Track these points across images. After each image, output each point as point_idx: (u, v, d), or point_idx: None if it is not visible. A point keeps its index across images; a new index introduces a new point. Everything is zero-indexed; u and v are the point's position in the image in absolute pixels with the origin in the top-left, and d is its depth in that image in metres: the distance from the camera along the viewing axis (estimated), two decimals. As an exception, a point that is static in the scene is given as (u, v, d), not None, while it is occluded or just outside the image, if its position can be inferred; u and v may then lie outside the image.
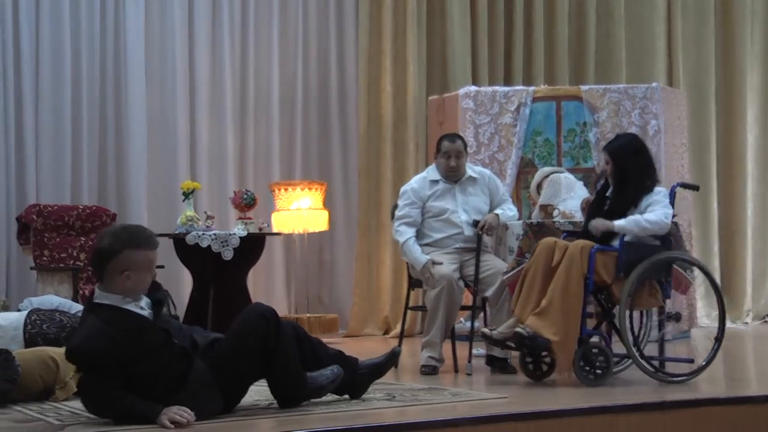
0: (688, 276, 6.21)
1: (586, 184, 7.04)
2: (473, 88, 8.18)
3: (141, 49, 8.35)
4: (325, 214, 8.38)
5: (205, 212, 7.63)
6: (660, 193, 5.29)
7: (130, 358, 3.91)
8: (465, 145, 6.07)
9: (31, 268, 7.19)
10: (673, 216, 5.39)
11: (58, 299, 5.79)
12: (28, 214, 7.20)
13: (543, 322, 5.06)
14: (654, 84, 8.12)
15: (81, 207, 7.45)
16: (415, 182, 6.06)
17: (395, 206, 6.15)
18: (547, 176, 7.03)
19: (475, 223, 5.81)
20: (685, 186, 5.77)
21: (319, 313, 8.55)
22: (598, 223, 5.29)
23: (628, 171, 5.32)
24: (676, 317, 5.30)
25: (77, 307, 5.65)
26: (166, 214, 8.25)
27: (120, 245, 3.97)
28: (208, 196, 8.49)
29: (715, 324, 5.60)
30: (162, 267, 7.19)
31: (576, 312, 5.07)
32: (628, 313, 5.20)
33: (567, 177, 6.86)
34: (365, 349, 7.73)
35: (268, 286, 8.74)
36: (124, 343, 3.91)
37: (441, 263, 5.68)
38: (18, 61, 7.95)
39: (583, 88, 8.06)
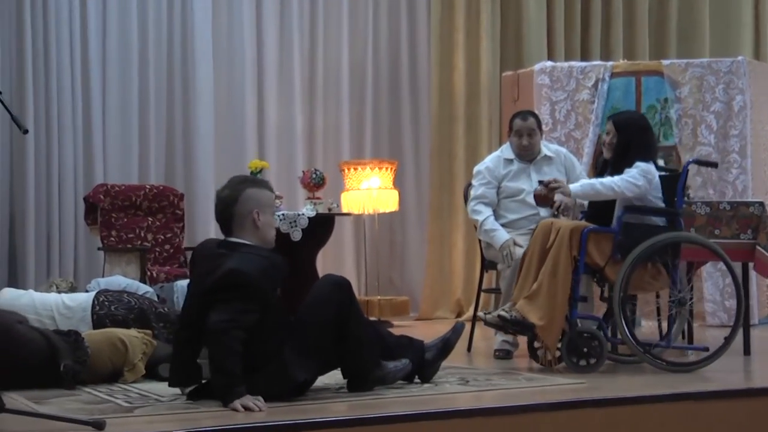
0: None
1: (666, 163, 6.94)
2: (549, 63, 8.11)
3: (208, 27, 8.41)
4: (395, 194, 8.37)
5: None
6: (638, 166, 5.15)
7: (270, 299, 4.02)
8: (539, 123, 6.01)
9: (99, 249, 7.29)
10: (687, 190, 5.27)
11: (125, 280, 5.86)
12: (95, 194, 7.29)
13: (530, 306, 5.02)
14: (740, 58, 7.96)
15: (148, 186, 7.53)
16: (489, 161, 6.02)
17: (468, 186, 6.12)
18: (626, 154, 6.94)
19: (540, 182, 5.67)
20: (700, 163, 5.65)
21: (390, 296, 8.56)
22: (560, 189, 5.22)
23: (631, 146, 5.22)
24: (680, 302, 5.16)
25: (144, 288, 5.72)
26: (234, 194, 8.30)
27: (241, 186, 4.14)
28: (276, 176, 8.52)
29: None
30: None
31: (563, 296, 5.01)
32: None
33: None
34: (437, 332, 7.68)
35: (338, 268, 8.75)
36: (273, 280, 4.06)
37: (521, 246, 5.64)
38: (85, 43, 8.03)
39: (665, 62, 7.94)
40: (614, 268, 5.06)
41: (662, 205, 5.25)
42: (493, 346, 5.81)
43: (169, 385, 4.14)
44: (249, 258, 4.03)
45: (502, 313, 5.07)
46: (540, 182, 5.36)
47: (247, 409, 3.79)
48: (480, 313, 5.26)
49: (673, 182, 5.27)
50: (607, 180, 5.16)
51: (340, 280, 4.26)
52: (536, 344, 5.26)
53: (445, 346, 4.67)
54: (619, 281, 4.99)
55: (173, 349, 4.21)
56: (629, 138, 5.23)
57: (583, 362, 5.00)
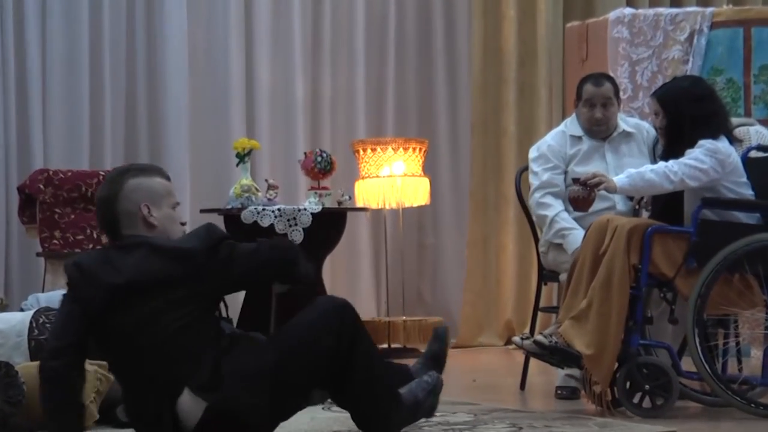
0: None
1: (783, 142, 6.91)
2: (628, 10, 8.07)
3: (180, -32, 8.42)
4: (425, 182, 8.36)
5: (266, 180, 7.65)
6: (702, 145, 5.14)
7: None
8: (615, 90, 5.99)
9: (38, 255, 7.29)
10: None
11: (72, 296, 5.86)
12: (33, 183, 7.29)
13: (577, 329, 5.03)
14: None
15: (102, 173, 7.49)
16: (551, 139, 6.00)
17: (523, 171, 6.13)
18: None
19: (576, 181, 5.62)
20: None
21: (419, 316, 8.54)
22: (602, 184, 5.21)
23: (685, 123, 5.22)
24: None
25: (98, 306, 5.72)
26: (215, 183, 8.31)
27: (120, 178, 4.13)
28: (269, 159, 8.53)
29: None
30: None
31: (618, 316, 5.01)
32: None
33: (759, 131, 6.71)
34: (481, 364, 7.70)
35: (351, 280, 8.75)
36: None
37: None
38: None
39: (783, 8, 7.91)
40: (688, 280, 5.05)
41: (750, 194, 5.22)
42: (554, 382, 5.79)
43: None
44: (168, 240, 4.07)
45: (540, 338, 5.07)
46: (575, 180, 5.32)
47: None
48: (516, 338, 5.26)
49: None
50: (660, 166, 5.15)
51: (341, 305, 4.16)
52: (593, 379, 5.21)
53: (437, 360, 4.58)
54: (694, 297, 4.98)
55: (47, 386, 4.12)
56: (680, 113, 5.23)
57: (646, 403, 4.98)
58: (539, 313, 6.33)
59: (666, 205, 5.29)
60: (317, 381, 4.12)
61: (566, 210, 5.79)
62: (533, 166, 5.97)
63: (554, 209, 5.81)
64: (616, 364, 5.06)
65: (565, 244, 5.72)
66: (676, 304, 5.21)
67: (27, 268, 7.88)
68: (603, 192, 5.47)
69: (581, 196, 5.27)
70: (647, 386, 5.01)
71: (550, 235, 5.83)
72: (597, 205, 5.68)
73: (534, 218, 6.03)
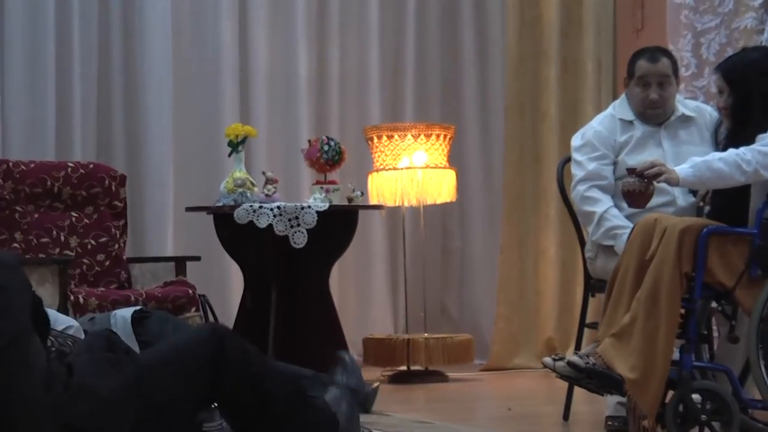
0: None
1: None
2: (691, -28, 8.07)
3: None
4: (451, 175, 8.34)
5: (264, 173, 7.64)
6: None
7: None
8: (674, 67, 5.99)
9: (-4, 261, 7.29)
10: None
11: (36, 309, 5.85)
12: (-10, 176, 7.30)
13: (617, 349, 5.00)
14: None
15: (71, 165, 7.50)
16: (598, 124, 5.99)
17: (566, 162, 6.12)
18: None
19: (631, 171, 5.59)
20: None
21: (444, 333, 8.52)
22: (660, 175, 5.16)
23: (754, 102, 5.19)
24: None
25: (65, 321, 5.67)
26: (203, 176, 8.31)
27: None
28: (267, 148, 8.54)
29: None
30: (197, 259, 7.24)
31: (667, 334, 4.96)
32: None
33: None
34: (517, 389, 7.69)
35: (363, 289, 8.75)
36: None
37: None
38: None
39: None
40: (750, 291, 5.01)
41: None
42: (603, 411, 5.77)
43: None
44: None
45: (575, 359, 5.05)
46: (629, 171, 5.27)
47: None
48: (547, 359, 5.24)
49: None
50: (731, 153, 5.10)
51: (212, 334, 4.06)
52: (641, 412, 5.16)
53: None
54: (758, 311, 4.95)
55: None
56: (749, 90, 5.20)
57: None
58: (585, 330, 6.29)
59: (728, 201, 5.26)
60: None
61: (617, 206, 5.78)
62: (577, 156, 5.95)
63: (603, 205, 5.79)
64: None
65: (616, 246, 5.69)
66: (737, 320, 5.20)
67: (-17, 276, 7.87)
68: (663, 185, 5.46)
69: (638, 189, 5.23)
70: (704, 416, 4.98)
71: (598, 235, 5.80)
72: (653, 200, 5.67)
73: (578, 216, 6.01)
